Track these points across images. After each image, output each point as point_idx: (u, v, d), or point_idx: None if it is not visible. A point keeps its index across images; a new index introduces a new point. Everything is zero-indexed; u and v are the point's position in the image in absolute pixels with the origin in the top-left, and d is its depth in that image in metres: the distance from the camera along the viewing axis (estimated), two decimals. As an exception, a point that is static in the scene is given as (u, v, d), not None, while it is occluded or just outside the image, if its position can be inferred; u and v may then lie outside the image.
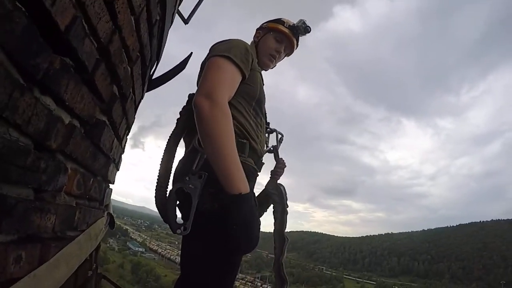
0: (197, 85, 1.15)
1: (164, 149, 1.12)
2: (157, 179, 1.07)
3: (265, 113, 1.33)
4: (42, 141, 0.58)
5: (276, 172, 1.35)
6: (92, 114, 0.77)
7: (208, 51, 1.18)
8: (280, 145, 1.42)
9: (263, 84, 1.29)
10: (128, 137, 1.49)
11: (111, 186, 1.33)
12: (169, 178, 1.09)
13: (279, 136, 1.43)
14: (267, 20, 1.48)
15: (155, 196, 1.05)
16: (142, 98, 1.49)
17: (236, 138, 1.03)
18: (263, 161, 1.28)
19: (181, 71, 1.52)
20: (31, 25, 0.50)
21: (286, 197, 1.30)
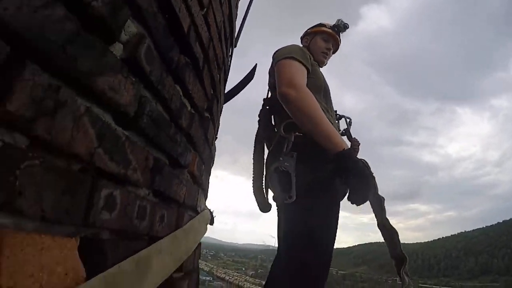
0: (269, 91, 1.49)
1: (254, 150, 1.40)
2: (253, 175, 1.35)
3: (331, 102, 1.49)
4: (177, 119, 0.73)
5: (354, 150, 1.44)
6: (203, 107, 0.94)
7: (272, 59, 1.43)
8: (350, 127, 1.53)
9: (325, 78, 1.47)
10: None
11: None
12: (263, 172, 1.33)
13: (348, 120, 1.56)
14: (307, 28, 1.73)
15: (252, 186, 1.34)
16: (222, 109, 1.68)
17: None
18: None
19: (250, 81, 1.69)
20: (167, 26, 0.66)
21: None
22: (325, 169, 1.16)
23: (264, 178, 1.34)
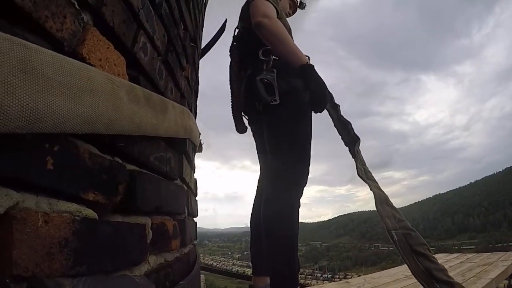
0: (240, 20, 1.68)
1: (230, 78, 1.65)
2: (231, 97, 1.65)
3: None
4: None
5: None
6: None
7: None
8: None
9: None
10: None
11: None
12: (240, 93, 1.62)
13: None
14: None
15: (232, 108, 1.65)
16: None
17: None
18: None
19: (221, 34, 1.87)
20: None
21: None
22: (299, 83, 1.40)
23: (241, 99, 1.60)
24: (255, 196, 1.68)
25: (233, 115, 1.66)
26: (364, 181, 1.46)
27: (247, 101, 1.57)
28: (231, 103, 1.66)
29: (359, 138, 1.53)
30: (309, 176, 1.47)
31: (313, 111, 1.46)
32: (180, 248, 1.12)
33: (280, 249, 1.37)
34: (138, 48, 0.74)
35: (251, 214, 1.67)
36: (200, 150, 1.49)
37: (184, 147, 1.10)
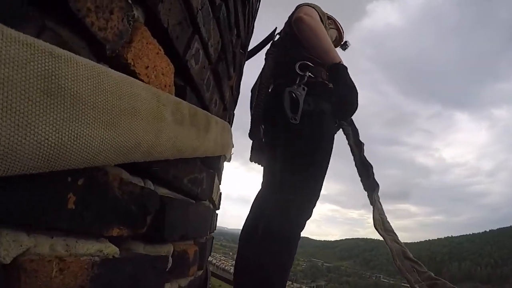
0: (284, 26, 1.59)
1: (261, 82, 1.49)
2: (255, 102, 1.48)
3: None
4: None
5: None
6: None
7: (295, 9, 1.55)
8: None
9: None
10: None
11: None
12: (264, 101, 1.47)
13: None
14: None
15: (253, 110, 1.47)
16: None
17: (325, 70, 1.35)
18: None
19: (268, 42, 1.72)
20: None
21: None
22: (328, 107, 1.31)
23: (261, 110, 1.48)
24: (250, 212, 1.47)
25: (251, 122, 1.52)
26: (381, 234, 1.36)
27: (268, 110, 1.45)
28: (252, 109, 1.53)
29: (378, 185, 1.45)
30: (324, 193, 1.33)
31: (336, 120, 1.37)
32: (196, 272, 1.02)
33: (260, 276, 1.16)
34: (190, 56, 0.63)
35: (241, 232, 1.45)
36: (229, 160, 1.38)
37: (218, 164, 0.99)
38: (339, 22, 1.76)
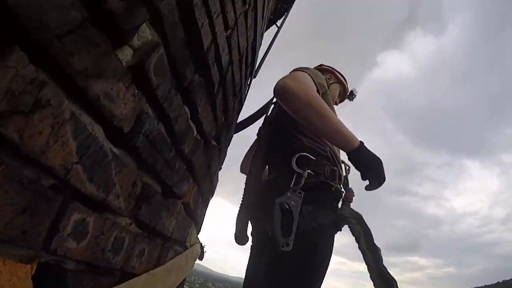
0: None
1: (250, 169, 1.27)
2: (242, 199, 1.23)
3: None
4: (179, 143, 0.65)
5: (348, 199, 1.28)
6: (210, 134, 0.86)
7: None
8: (348, 175, 1.38)
9: None
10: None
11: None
12: (255, 201, 1.22)
13: (347, 167, 1.41)
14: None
15: (239, 212, 1.23)
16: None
17: (329, 164, 1.15)
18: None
19: (264, 114, 1.50)
20: (186, 39, 0.61)
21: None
22: (329, 218, 1.10)
23: (252, 208, 1.23)
24: None
25: (237, 220, 1.26)
26: None
27: (258, 205, 1.23)
28: (240, 205, 1.27)
29: None
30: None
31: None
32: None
33: None
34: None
35: None
36: (201, 258, 1.32)
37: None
38: (338, 71, 1.63)
